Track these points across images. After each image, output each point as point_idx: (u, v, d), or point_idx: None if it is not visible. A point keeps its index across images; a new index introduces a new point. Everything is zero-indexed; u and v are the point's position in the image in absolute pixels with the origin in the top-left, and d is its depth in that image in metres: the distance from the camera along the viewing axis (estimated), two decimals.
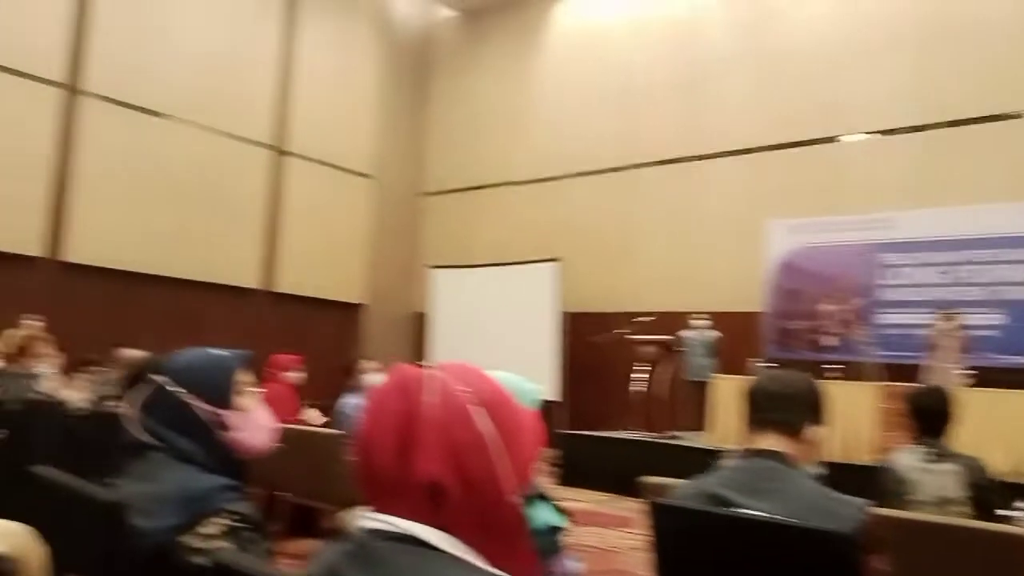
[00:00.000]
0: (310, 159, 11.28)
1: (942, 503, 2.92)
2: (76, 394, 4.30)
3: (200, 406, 1.56)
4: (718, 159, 10.22)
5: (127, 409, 1.62)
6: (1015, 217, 8.14)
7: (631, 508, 6.47)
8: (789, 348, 9.27)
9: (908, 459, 3.10)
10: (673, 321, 8.99)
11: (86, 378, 5.71)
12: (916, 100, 8.93)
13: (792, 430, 1.80)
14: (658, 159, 10.67)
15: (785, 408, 1.82)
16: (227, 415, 1.59)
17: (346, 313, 11.76)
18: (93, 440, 3.56)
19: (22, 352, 4.28)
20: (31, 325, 7.66)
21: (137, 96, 9.44)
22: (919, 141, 8.89)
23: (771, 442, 1.81)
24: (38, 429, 3.43)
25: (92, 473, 3.33)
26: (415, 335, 12.42)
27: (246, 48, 10.60)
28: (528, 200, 11.75)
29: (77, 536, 1.40)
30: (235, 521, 1.41)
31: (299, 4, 11.28)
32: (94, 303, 8.81)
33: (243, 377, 1.66)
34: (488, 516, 0.90)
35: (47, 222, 8.77)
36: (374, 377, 5.76)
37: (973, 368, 7.33)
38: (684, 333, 8.77)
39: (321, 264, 11.28)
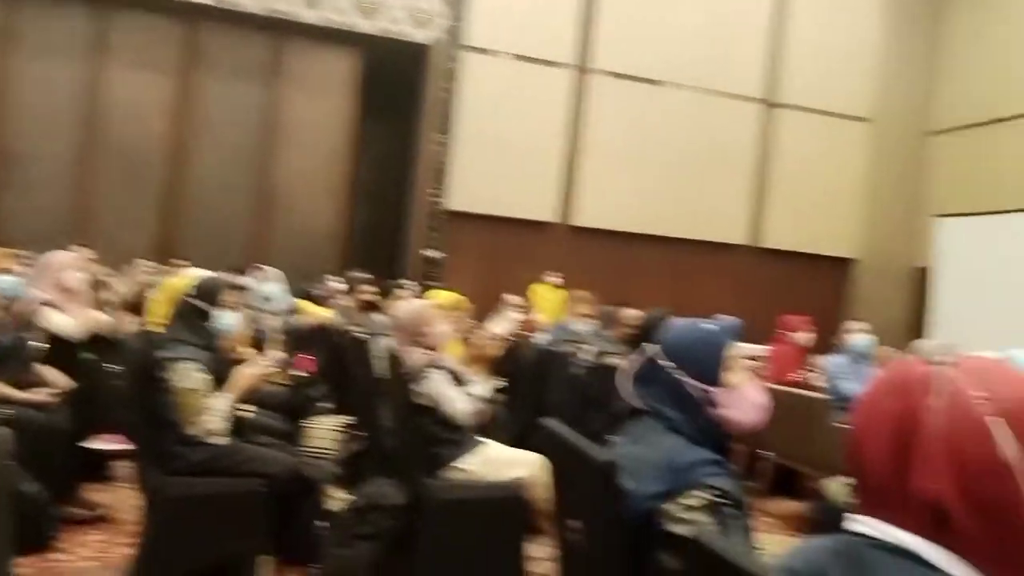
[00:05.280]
0: (801, 108, 10.87)
1: None
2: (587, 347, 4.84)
3: (689, 382, 1.57)
4: None
5: (623, 373, 1.70)
6: None
7: None
8: None
9: None
10: None
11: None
12: None
13: None
14: None
15: None
16: (715, 392, 1.58)
17: (836, 268, 11.14)
18: (595, 391, 3.98)
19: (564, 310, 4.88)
20: (554, 282, 8.87)
21: (637, 68, 10.12)
22: None
23: None
24: (551, 376, 3.95)
25: (592, 423, 3.72)
26: (913, 294, 11.22)
27: (739, 4, 10.59)
28: None
29: (575, 486, 1.57)
30: (716, 496, 1.42)
31: None
32: (598, 263, 9.76)
33: (733, 352, 1.63)
34: (1004, 546, 0.77)
35: (560, 191, 9.96)
36: (860, 339, 5.40)
37: None
38: None
39: (811, 217, 10.85)
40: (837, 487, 3.65)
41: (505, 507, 3.11)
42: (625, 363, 1.73)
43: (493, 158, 9.53)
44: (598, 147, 9.98)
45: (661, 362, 1.61)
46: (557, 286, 8.74)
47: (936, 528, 0.78)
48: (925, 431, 0.79)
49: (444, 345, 3.41)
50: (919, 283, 11.06)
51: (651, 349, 1.65)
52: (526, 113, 9.67)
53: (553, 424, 1.70)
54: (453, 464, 3.14)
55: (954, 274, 10.32)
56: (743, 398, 1.61)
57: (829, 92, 10.94)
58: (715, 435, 1.58)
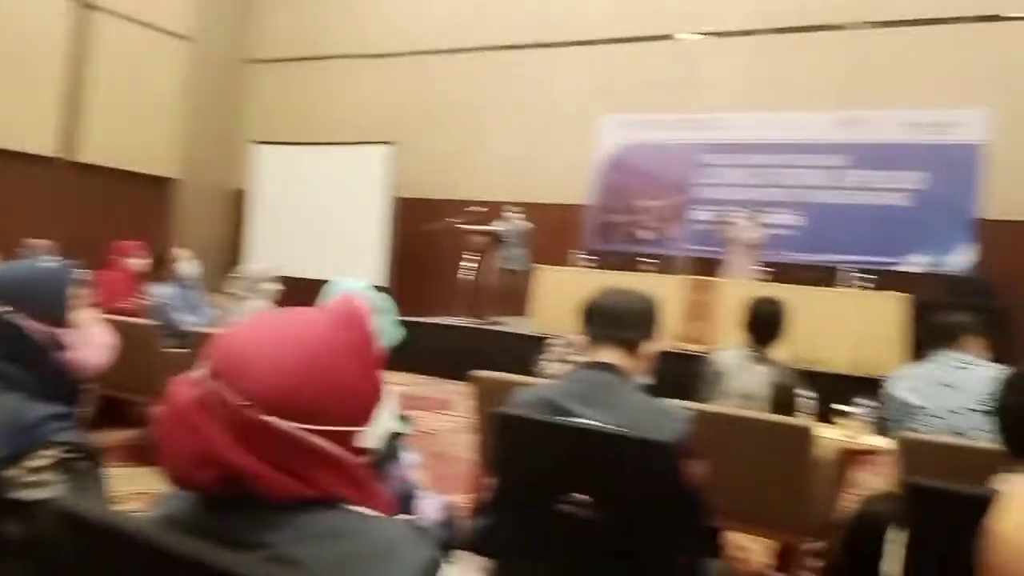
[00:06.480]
0: (119, 15, 10.13)
1: (746, 398, 3.23)
2: None
3: (32, 326, 1.43)
4: (562, 48, 10.14)
5: None
6: (819, 125, 8.73)
7: (451, 391, 6.63)
8: (609, 240, 9.68)
9: (730, 357, 3.38)
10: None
11: None
12: (749, 4, 9.21)
13: (629, 346, 1.90)
14: (504, 44, 10.41)
15: (624, 326, 1.90)
16: (62, 333, 1.46)
17: (156, 187, 10.93)
18: None
19: None
20: None
21: None
22: (750, 45, 9.15)
23: (608, 356, 1.89)
24: None
25: None
26: (232, 214, 11.82)
27: None
28: (370, 77, 11.21)
29: None
30: (66, 452, 1.32)
31: None
32: None
33: (77, 290, 1.51)
34: (343, 472, 0.87)
35: None
36: (187, 267, 5.48)
37: (770, 264, 7.94)
38: (499, 224, 8.79)
39: (130, 132, 10.31)
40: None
41: None
42: None
43: None
44: None
45: None
46: None
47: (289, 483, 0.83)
48: (222, 450, 0.81)
49: None
50: (238, 204, 11.64)
51: None
52: None
53: None
54: None
55: (268, 197, 11.16)
56: (91, 337, 1.53)
57: (150, 4, 10.48)
58: (63, 383, 1.47)
